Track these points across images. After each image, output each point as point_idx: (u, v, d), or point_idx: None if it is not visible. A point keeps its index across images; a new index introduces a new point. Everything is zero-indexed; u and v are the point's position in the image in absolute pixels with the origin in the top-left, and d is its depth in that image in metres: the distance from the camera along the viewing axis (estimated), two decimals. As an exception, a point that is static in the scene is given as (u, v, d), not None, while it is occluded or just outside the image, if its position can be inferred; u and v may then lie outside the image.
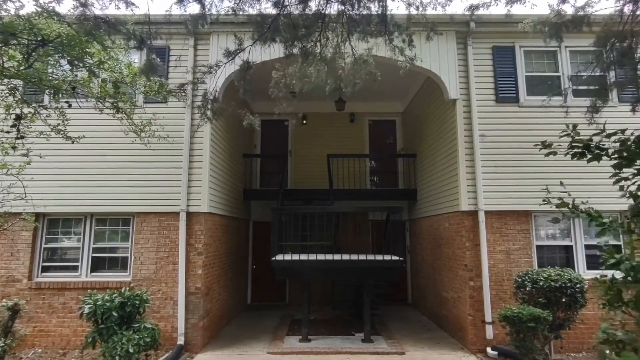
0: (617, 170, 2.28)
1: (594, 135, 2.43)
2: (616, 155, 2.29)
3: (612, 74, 7.15)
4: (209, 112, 5.55)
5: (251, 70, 5.16)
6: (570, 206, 2.41)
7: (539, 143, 2.72)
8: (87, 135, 6.79)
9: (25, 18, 4.25)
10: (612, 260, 2.12)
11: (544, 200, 2.57)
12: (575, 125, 2.54)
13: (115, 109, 5.73)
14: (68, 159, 7.28)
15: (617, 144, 2.27)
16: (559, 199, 2.50)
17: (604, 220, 2.25)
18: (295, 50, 4.86)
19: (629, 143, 2.22)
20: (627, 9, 5.43)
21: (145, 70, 5.10)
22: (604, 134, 2.35)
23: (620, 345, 2.04)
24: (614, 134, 2.33)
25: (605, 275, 2.25)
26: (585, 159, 2.47)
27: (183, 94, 5.66)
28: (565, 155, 2.59)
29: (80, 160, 7.31)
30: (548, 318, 5.59)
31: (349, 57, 4.95)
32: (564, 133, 2.52)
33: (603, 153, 2.38)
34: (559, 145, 2.60)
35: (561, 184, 2.78)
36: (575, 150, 2.47)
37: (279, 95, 4.80)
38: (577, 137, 2.48)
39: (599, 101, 6.06)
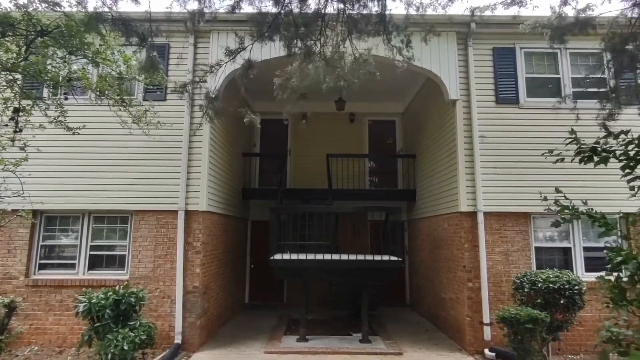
0: (628, 171, 2.27)
1: (602, 137, 2.42)
2: (624, 157, 2.28)
3: (615, 76, 7.12)
4: (210, 112, 5.53)
5: (254, 70, 5.14)
6: (571, 209, 2.39)
7: (547, 151, 2.71)
8: (86, 133, 6.74)
9: (23, 9, 4.22)
10: (618, 259, 2.09)
11: (545, 209, 2.54)
12: (575, 136, 2.54)
13: (113, 101, 5.69)
14: (66, 156, 7.26)
15: (624, 146, 2.26)
16: (557, 202, 2.49)
17: (607, 221, 2.24)
18: (295, 49, 4.84)
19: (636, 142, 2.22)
20: (631, 12, 5.41)
21: (146, 67, 5.08)
22: (612, 135, 2.34)
23: (623, 344, 2.02)
24: (622, 133, 2.31)
25: (611, 274, 2.23)
26: (592, 162, 2.45)
27: (184, 92, 5.62)
28: (572, 160, 2.57)
29: (79, 157, 7.28)
30: (546, 320, 5.58)
31: (349, 56, 4.94)
32: (570, 140, 2.51)
33: (610, 155, 2.37)
34: (564, 148, 2.60)
35: (557, 190, 2.73)
36: (582, 155, 2.45)
37: (283, 97, 4.77)
38: (582, 143, 2.47)
39: (608, 104, 6.05)
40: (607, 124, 5.90)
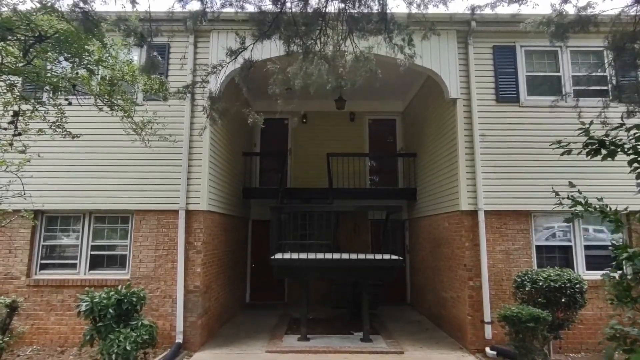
0: (636, 165, 2.24)
1: (612, 129, 2.40)
2: (632, 152, 2.26)
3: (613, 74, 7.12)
4: (214, 113, 5.50)
5: (253, 69, 5.11)
6: (584, 204, 2.38)
7: (554, 142, 2.69)
8: (86, 133, 6.76)
9: (23, 14, 4.22)
10: (625, 255, 2.08)
11: (557, 203, 2.53)
12: (591, 122, 2.52)
13: (114, 107, 5.69)
14: (67, 157, 7.25)
15: (634, 140, 2.24)
16: (571, 197, 2.47)
17: (618, 218, 2.22)
18: (295, 48, 4.83)
19: None
20: (634, 10, 5.39)
21: (147, 68, 5.06)
22: (623, 128, 2.31)
23: (627, 342, 2.00)
24: (635, 127, 2.29)
25: (615, 271, 2.22)
26: (600, 155, 2.43)
27: (188, 94, 5.59)
28: (579, 153, 2.55)
29: (80, 157, 7.28)
30: (547, 318, 5.58)
31: (350, 54, 4.92)
32: (581, 129, 2.48)
33: (618, 149, 2.35)
34: (572, 141, 2.58)
35: (571, 184, 2.71)
36: (590, 147, 2.43)
37: (276, 91, 4.76)
38: (591, 134, 2.45)
39: (610, 102, 6.03)
40: (608, 120, 5.90)
